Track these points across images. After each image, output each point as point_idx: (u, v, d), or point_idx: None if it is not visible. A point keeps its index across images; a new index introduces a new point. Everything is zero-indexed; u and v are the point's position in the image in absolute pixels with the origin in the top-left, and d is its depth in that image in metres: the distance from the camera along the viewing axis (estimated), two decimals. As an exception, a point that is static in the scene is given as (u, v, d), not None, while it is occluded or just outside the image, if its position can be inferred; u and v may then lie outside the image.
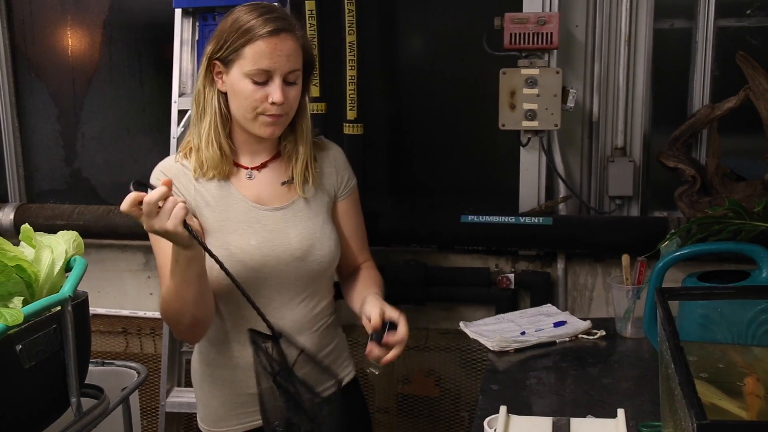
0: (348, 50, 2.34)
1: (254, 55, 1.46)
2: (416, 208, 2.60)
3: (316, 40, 2.34)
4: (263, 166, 1.61)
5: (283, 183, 1.61)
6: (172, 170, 1.57)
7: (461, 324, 1.97)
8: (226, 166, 1.57)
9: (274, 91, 1.47)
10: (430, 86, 2.56)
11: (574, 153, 2.43)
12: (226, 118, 1.55)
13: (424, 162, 2.58)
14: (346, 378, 1.73)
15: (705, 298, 1.29)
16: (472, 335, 1.92)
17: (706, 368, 1.17)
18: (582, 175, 2.46)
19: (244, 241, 1.53)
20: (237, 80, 1.49)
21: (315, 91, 2.34)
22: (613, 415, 1.34)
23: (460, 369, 2.47)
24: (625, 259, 1.92)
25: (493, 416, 1.37)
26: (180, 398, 2.41)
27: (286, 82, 1.51)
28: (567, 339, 1.89)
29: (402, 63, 2.57)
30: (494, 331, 1.90)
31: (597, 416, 1.41)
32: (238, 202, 1.56)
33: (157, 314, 2.71)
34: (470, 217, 2.34)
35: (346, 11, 2.33)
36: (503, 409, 1.35)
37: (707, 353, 1.24)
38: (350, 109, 2.37)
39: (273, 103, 1.48)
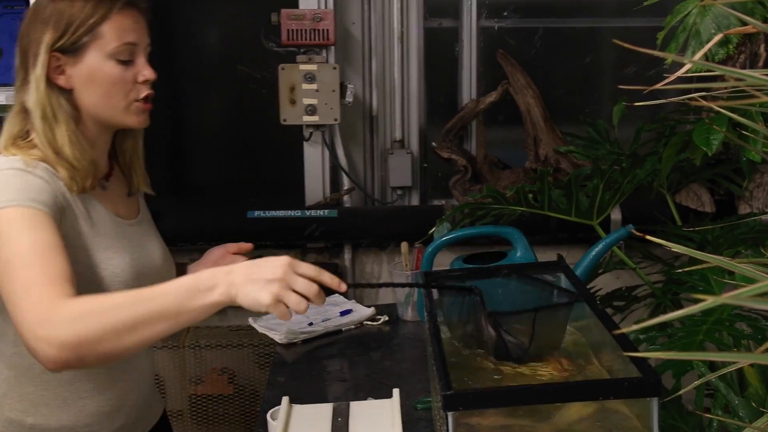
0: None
1: (116, 30, 1.25)
2: (201, 206, 2.56)
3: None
4: (110, 174, 1.40)
5: (129, 194, 1.43)
6: (55, 183, 1.27)
7: (250, 319, 1.97)
8: (96, 176, 1.34)
9: (144, 68, 1.28)
10: (210, 83, 2.53)
11: (356, 146, 2.52)
12: (76, 119, 1.31)
13: (206, 160, 2.55)
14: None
15: (464, 278, 1.38)
16: (260, 330, 1.92)
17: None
18: (365, 168, 2.55)
19: (121, 260, 1.35)
20: (98, 65, 1.26)
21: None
22: (391, 396, 1.41)
23: (254, 365, 2.47)
24: (404, 246, 2.02)
25: (276, 408, 1.39)
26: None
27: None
28: (353, 326, 1.95)
29: (179, 60, 2.51)
30: (282, 324, 1.92)
31: (376, 398, 1.48)
32: (104, 216, 1.36)
33: None
34: (257, 213, 2.35)
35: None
36: (285, 399, 1.38)
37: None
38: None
39: (146, 82, 1.30)
